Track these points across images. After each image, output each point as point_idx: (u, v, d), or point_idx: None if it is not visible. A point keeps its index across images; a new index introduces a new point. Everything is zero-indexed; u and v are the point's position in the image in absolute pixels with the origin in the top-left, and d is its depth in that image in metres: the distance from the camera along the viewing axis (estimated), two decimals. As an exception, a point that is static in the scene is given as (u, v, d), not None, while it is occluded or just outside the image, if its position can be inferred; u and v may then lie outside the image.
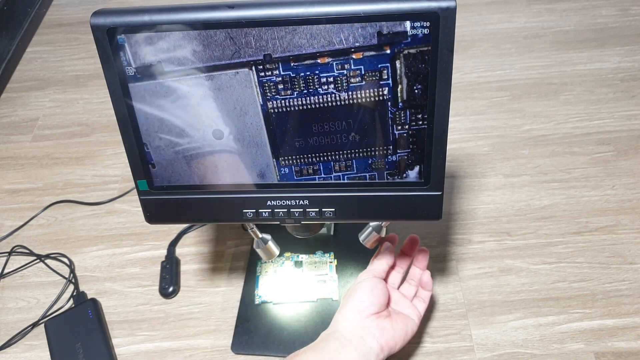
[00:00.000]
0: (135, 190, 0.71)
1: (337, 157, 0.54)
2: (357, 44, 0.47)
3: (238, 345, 0.68)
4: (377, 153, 0.53)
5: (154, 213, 0.58)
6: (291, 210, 0.57)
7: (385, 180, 0.54)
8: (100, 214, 0.85)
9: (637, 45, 1.04)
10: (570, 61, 1.02)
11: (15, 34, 1.17)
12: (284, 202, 0.56)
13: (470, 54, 1.05)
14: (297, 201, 0.56)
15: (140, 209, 0.59)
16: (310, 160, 0.54)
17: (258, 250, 0.67)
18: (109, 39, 0.48)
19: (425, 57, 0.47)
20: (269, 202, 0.56)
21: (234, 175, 0.55)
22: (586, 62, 1.01)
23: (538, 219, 0.78)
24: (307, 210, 0.56)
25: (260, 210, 0.57)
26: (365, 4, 0.46)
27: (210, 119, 0.52)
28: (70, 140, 0.97)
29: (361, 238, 0.66)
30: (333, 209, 0.56)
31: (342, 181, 0.55)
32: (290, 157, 0.54)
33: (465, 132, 0.91)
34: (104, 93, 1.05)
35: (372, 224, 0.64)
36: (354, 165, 0.54)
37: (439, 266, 0.74)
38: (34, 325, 0.72)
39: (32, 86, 1.09)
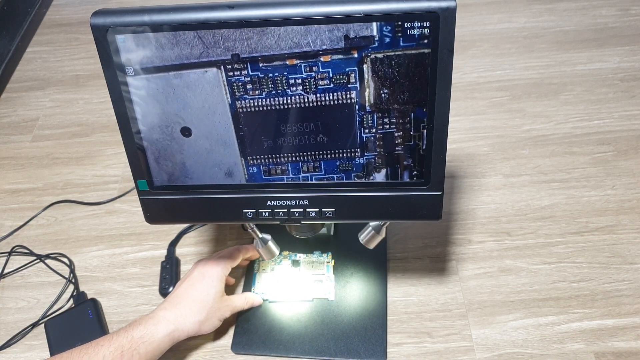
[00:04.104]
0: (135, 190, 0.71)
1: (305, 157, 0.54)
2: (324, 47, 0.47)
3: (238, 345, 0.68)
4: (344, 155, 0.53)
5: (154, 213, 0.58)
6: (291, 210, 0.57)
7: (386, 181, 0.54)
8: (100, 214, 0.85)
9: (637, 45, 1.04)
10: (570, 61, 1.02)
11: (15, 34, 1.17)
12: (284, 202, 0.56)
13: (470, 54, 1.05)
14: (297, 201, 0.56)
15: (140, 209, 0.59)
16: (278, 160, 0.54)
17: (258, 250, 0.67)
18: (109, 39, 0.48)
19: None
20: (269, 202, 0.57)
21: (201, 173, 0.55)
22: (586, 62, 1.01)
23: (538, 219, 0.78)
24: (307, 210, 0.56)
25: (260, 210, 0.57)
26: (366, 4, 0.46)
27: (179, 116, 0.52)
28: (70, 140, 0.97)
29: (361, 238, 0.66)
30: (333, 209, 0.56)
31: (343, 181, 0.55)
32: (258, 157, 0.54)
33: (465, 132, 0.91)
34: (104, 93, 1.05)
35: (372, 224, 0.64)
36: (322, 167, 0.54)
37: (439, 266, 0.74)
38: (34, 325, 0.72)
39: (32, 86, 1.09)
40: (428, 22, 0.46)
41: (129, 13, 0.48)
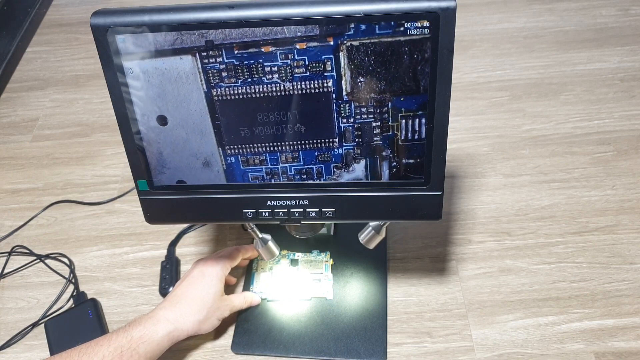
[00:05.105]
0: (135, 190, 0.71)
1: (283, 147, 0.53)
2: (299, 34, 0.47)
3: (238, 345, 0.68)
4: (323, 145, 0.53)
5: (154, 213, 0.58)
6: (291, 210, 0.57)
7: (385, 181, 0.54)
8: (100, 214, 0.85)
9: (637, 45, 1.04)
10: (570, 61, 1.02)
11: (15, 34, 1.17)
12: (284, 202, 0.56)
13: (470, 54, 1.05)
14: (297, 201, 0.56)
15: (140, 209, 0.59)
16: (256, 150, 0.53)
17: (258, 250, 0.67)
18: (109, 39, 0.48)
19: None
20: (269, 202, 0.56)
21: (178, 162, 0.54)
22: (586, 62, 1.01)
23: (538, 219, 0.78)
24: (307, 210, 0.56)
25: (260, 210, 0.57)
26: (366, 4, 0.46)
27: (155, 104, 0.51)
28: (70, 140, 0.97)
29: (361, 238, 0.66)
30: (333, 209, 0.56)
31: (342, 181, 0.55)
32: (235, 147, 0.53)
33: (465, 132, 0.91)
34: (104, 93, 1.05)
35: (372, 224, 0.64)
36: (301, 157, 0.54)
37: (439, 266, 0.74)
38: (34, 325, 0.72)
39: (32, 86, 1.09)
40: (428, 22, 0.46)
41: (128, 13, 0.48)
